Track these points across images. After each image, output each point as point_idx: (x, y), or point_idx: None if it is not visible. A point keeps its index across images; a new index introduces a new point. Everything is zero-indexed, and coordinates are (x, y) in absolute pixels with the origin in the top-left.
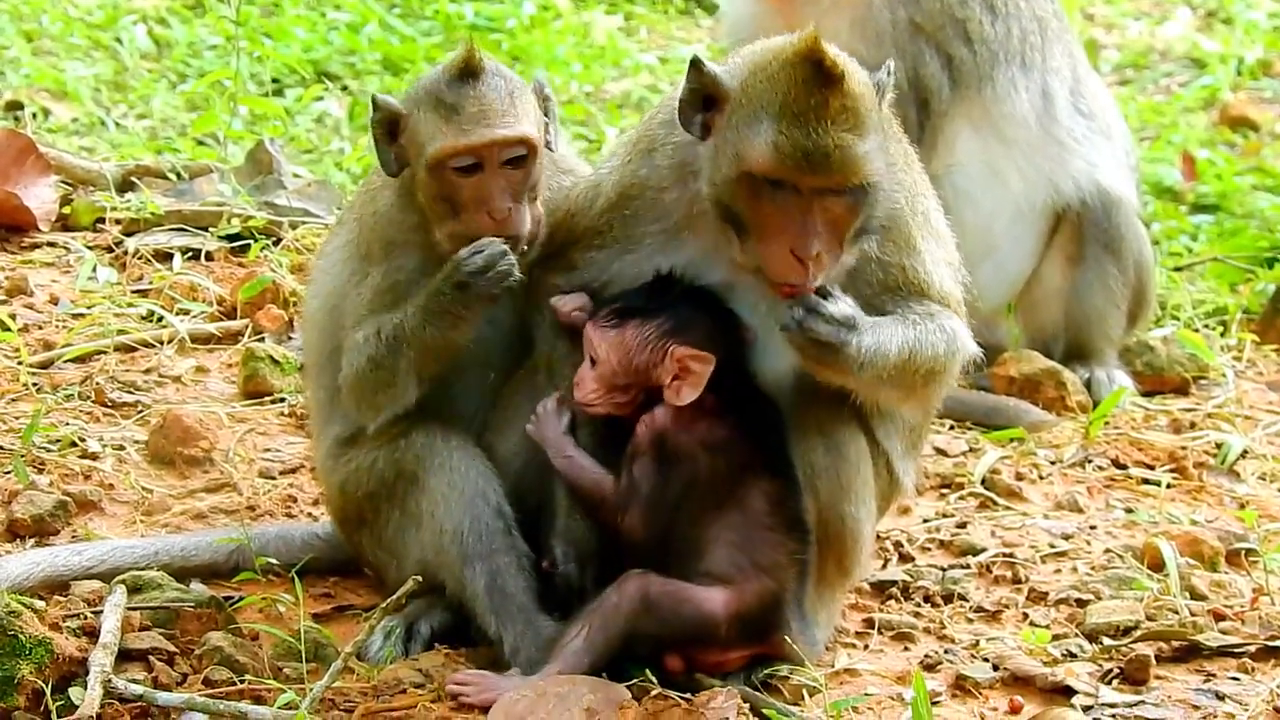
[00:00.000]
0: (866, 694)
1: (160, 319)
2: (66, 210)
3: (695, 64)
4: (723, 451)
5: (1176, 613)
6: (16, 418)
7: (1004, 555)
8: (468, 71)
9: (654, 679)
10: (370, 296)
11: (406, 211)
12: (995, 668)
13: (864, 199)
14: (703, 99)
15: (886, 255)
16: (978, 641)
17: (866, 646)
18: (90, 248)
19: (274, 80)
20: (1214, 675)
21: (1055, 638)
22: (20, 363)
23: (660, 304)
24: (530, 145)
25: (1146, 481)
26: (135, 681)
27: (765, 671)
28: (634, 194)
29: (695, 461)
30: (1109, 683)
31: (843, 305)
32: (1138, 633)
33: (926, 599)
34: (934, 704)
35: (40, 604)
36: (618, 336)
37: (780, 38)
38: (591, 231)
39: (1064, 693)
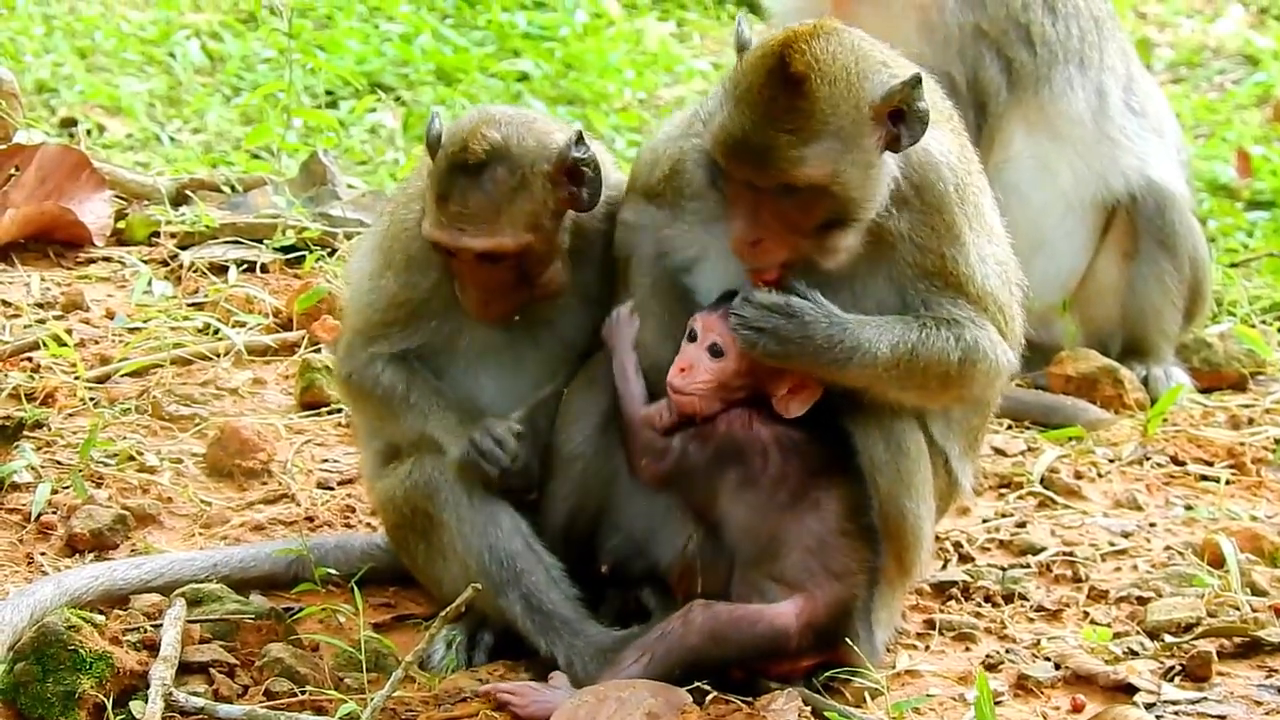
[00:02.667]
0: (928, 695)
1: (216, 332)
2: (121, 225)
3: (738, 34)
4: (796, 452)
5: (1238, 609)
6: (74, 432)
7: (1064, 554)
8: (461, 164)
9: (710, 685)
10: (385, 304)
11: None
12: (1057, 667)
13: (814, 200)
14: None
15: (923, 239)
16: (1039, 641)
17: (928, 647)
18: (145, 262)
19: (328, 92)
20: (1276, 671)
21: (1116, 636)
22: (77, 377)
23: None
24: (507, 252)
25: (1205, 478)
26: (196, 694)
27: (826, 674)
28: (680, 169)
29: (766, 459)
30: (1171, 680)
31: (778, 296)
32: (1199, 629)
33: (987, 599)
34: (996, 704)
35: (100, 618)
36: None
37: (795, 26)
38: (651, 192)
39: (1126, 691)
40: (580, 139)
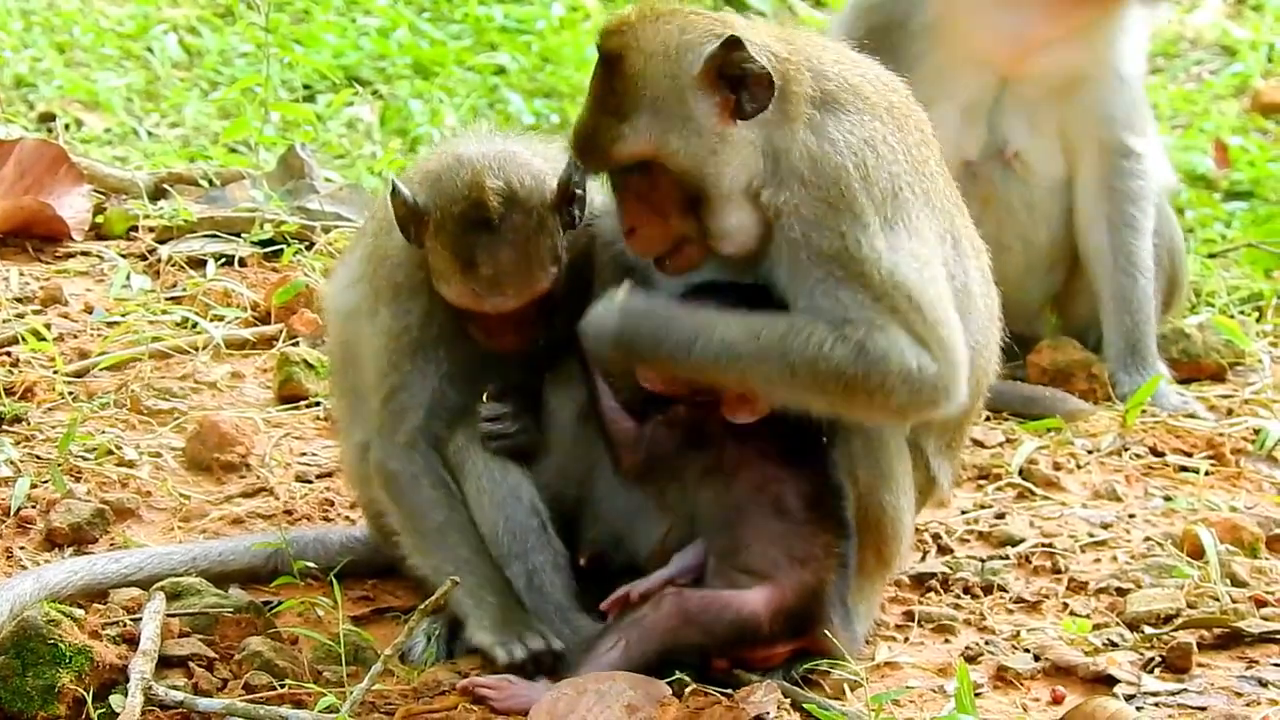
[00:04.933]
0: (907, 687)
1: (194, 325)
2: (99, 219)
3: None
4: (756, 443)
5: (1217, 600)
6: (53, 427)
7: (1043, 545)
8: (480, 221)
9: (689, 677)
10: (385, 341)
11: (416, 263)
12: (1036, 658)
13: (658, 178)
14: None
15: (817, 215)
16: (1018, 632)
17: (907, 639)
18: (124, 256)
19: (305, 86)
20: (1256, 662)
21: (1096, 627)
22: (56, 372)
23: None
24: (546, 294)
25: (1184, 469)
26: (175, 688)
27: (805, 666)
28: None
29: (723, 449)
30: (1151, 671)
31: (610, 300)
32: (1179, 620)
33: (966, 590)
34: (976, 695)
35: (79, 612)
36: None
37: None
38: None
39: (1106, 682)
40: (571, 162)
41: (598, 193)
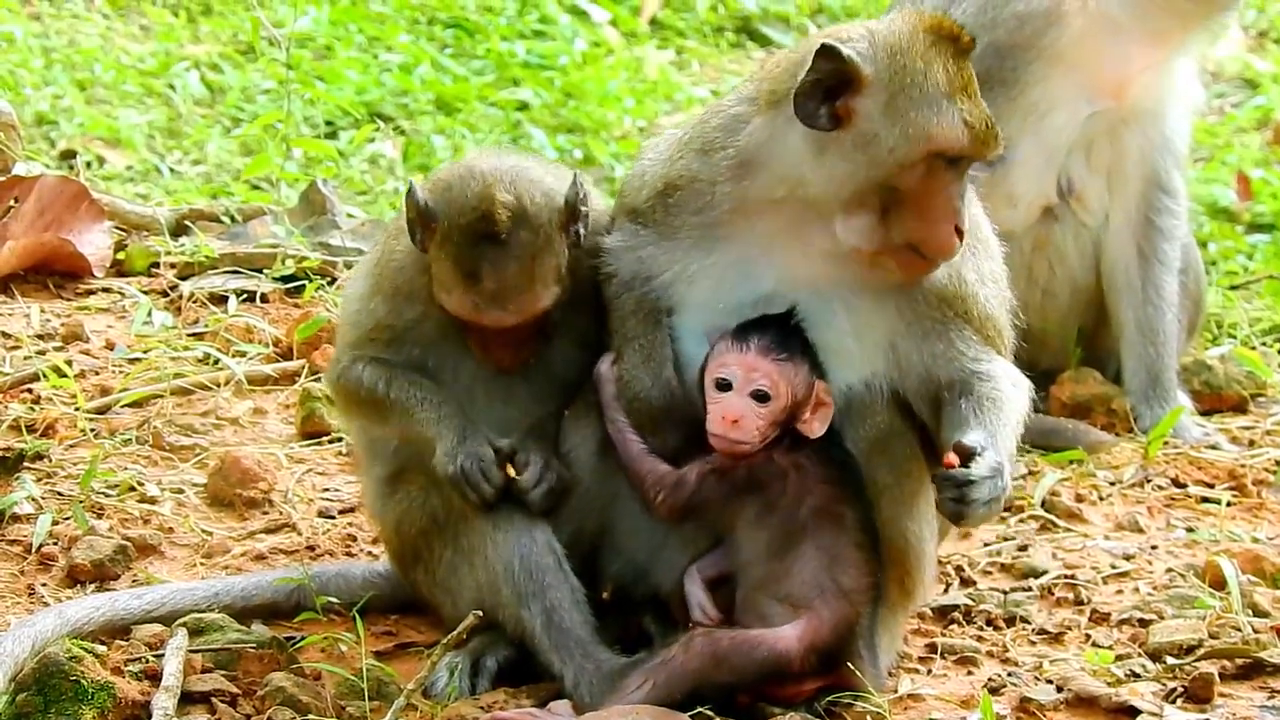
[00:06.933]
0: (931, 719)
1: (216, 361)
2: (121, 256)
3: (829, 51)
4: (814, 471)
5: (1239, 630)
6: (75, 463)
7: (1065, 577)
8: (488, 235)
9: (712, 711)
10: (370, 324)
11: (419, 269)
12: (1059, 689)
13: None
14: (826, 89)
15: None
16: (1041, 664)
17: (930, 671)
18: (145, 292)
19: (327, 122)
20: (1278, 692)
21: (1119, 658)
22: (78, 408)
23: (794, 337)
24: (544, 313)
25: (1206, 500)
26: None
27: (829, 699)
28: (681, 185)
29: (785, 483)
30: (1173, 702)
31: (990, 461)
32: (1201, 651)
33: (989, 622)
34: None
35: (102, 649)
36: (793, 371)
37: (893, 19)
38: (637, 213)
39: (1129, 713)
40: (576, 181)
41: (611, 231)
